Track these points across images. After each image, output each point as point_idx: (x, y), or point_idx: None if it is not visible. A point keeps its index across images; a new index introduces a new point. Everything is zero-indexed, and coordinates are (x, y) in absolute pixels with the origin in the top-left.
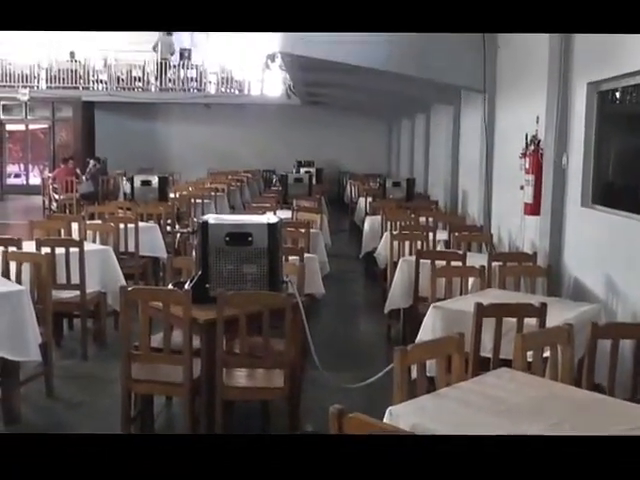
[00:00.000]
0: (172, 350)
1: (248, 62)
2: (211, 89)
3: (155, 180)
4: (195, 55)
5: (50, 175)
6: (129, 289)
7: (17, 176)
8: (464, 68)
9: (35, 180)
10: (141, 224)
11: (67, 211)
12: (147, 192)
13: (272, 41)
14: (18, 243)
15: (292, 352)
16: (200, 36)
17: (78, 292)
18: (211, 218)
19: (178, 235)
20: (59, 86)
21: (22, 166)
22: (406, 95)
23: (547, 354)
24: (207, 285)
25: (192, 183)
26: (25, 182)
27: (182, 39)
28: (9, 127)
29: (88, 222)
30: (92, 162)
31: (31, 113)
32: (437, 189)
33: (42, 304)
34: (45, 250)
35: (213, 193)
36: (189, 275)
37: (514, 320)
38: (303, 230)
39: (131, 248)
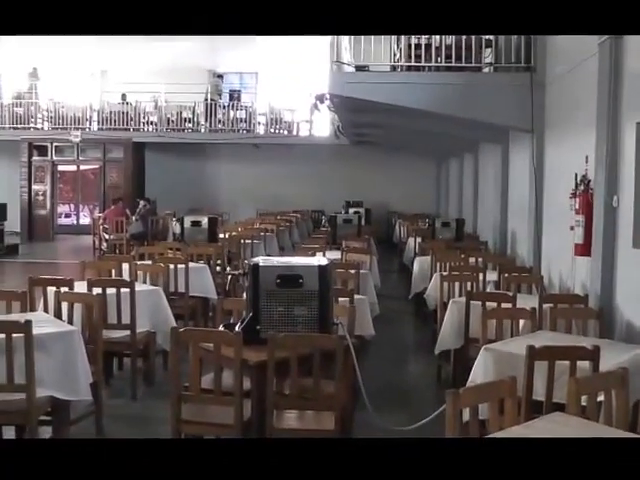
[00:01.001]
0: (222, 391)
1: (297, 103)
2: (260, 130)
3: (205, 221)
4: (244, 96)
5: (100, 215)
6: (180, 330)
7: (67, 216)
8: (511, 108)
9: (85, 220)
10: (191, 264)
11: (117, 251)
12: (197, 232)
13: (321, 82)
14: (70, 284)
15: (343, 394)
16: (250, 78)
17: (128, 332)
18: (262, 260)
19: (229, 277)
20: (110, 128)
21: (72, 206)
22: (454, 135)
23: (601, 398)
24: (258, 327)
25: (241, 223)
26: (75, 222)
27: (232, 80)
28: (61, 167)
29: (138, 263)
30: (142, 203)
31: (82, 154)
32: (486, 229)
33: (93, 344)
34: (97, 290)
35: (262, 233)
36: (239, 316)
37: (567, 363)
38: (353, 271)
39: (181, 288)
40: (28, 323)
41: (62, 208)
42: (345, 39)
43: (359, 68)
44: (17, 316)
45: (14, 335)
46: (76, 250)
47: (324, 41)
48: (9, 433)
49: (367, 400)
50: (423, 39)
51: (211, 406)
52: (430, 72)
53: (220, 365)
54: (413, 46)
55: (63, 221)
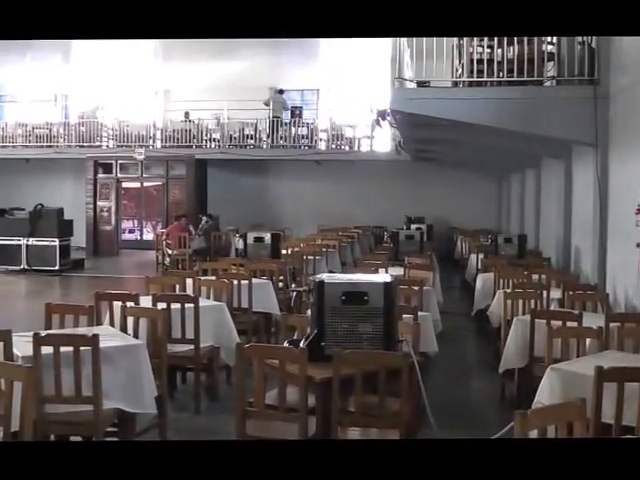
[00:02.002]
0: (286, 408)
1: (358, 119)
2: (321, 146)
3: (268, 237)
4: (306, 113)
5: (164, 231)
6: (245, 346)
7: (131, 232)
8: (574, 122)
9: (148, 236)
10: (254, 280)
11: (179, 266)
12: (260, 248)
13: (383, 98)
14: (135, 298)
15: (407, 412)
16: (311, 94)
17: (192, 346)
18: (327, 277)
19: (294, 293)
20: (173, 145)
21: (136, 222)
22: (515, 150)
23: None
24: (322, 343)
25: (303, 239)
26: (139, 237)
27: (293, 97)
28: (125, 184)
29: (202, 278)
30: (204, 219)
31: (146, 171)
32: (549, 245)
33: (158, 358)
34: (161, 305)
35: (324, 249)
36: (303, 333)
37: (637, 385)
38: (416, 288)
39: (244, 304)
40: (95, 337)
41: (126, 224)
42: (407, 55)
43: (420, 84)
44: (84, 330)
45: (82, 348)
46: (139, 265)
47: (385, 57)
48: None
49: (432, 418)
50: (485, 53)
51: (275, 422)
52: (492, 87)
53: (284, 381)
54: (475, 61)
55: (127, 237)
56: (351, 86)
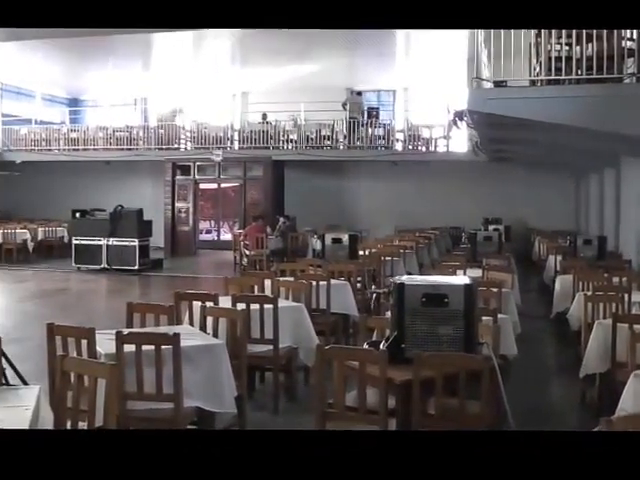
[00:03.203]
0: (366, 409)
1: (434, 120)
2: (398, 147)
3: (345, 238)
4: (382, 113)
5: (241, 232)
6: (326, 347)
7: (208, 232)
8: None
9: (225, 236)
10: (332, 281)
11: (257, 267)
12: (337, 249)
13: (459, 98)
14: (215, 299)
15: (488, 415)
16: (387, 95)
17: (271, 347)
18: (407, 279)
19: (374, 295)
20: (251, 146)
21: (213, 223)
22: (594, 149)
23: None
24: (403, 345)
25: (380, 240)
26: (216, 238)
27: (369, 98)
28: (202, 186)
29: (281, 279)
30: (281, 220)
31: (224, 172)
32: (629, 247)
33: (237, 358)
34: (241, 306)
35: (402, 251)
36: (381, 334)
37: None
38: (495, 290)
39: (322, 305)
40: (177, 336)
41: (203, 224)
42: (484, 55)
43: (497, 84)
44: (165, 329)
45: (163, 347)
46: (217, 265)
47: (462, 57)
48: None
49: (512, 422)
50: (563, 51)
51: (355, 424)
52: (570, 85)
53: (364, 383)
54: (553, 59)
55: (204, 237)
56: (427, 86)
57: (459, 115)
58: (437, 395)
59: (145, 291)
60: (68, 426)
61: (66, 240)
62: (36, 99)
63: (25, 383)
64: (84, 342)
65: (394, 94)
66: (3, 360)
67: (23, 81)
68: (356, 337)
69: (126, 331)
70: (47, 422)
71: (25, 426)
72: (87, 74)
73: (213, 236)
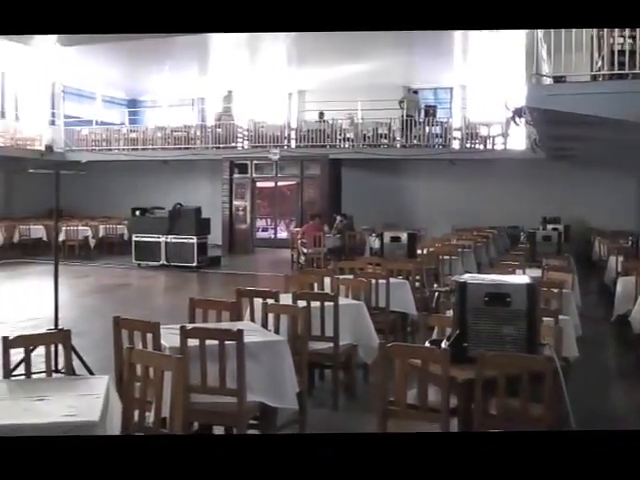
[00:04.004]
0: (428, 408)
1: (492, 117)
2: (455, 145)
3: (404, 236)
4: (439, 111)
5: (299, 230)
6: (388, 345)
7: (264, 230)
8: None
9: (282, 234)
10: (391, 280)
11: (314, 265)
12: (396, 248)
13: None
14: (276, 296)
15: (550, 418)
16: (444, 93)
17: (331, 344)
18: (469, 278)
19: (436, 294)
20: (307, 145)
21: (269, 221)
22: None
23: None
24: (465, 344)
25: (438, 239)
26: (273, 236)
27: (426, 96)
28: (259, 184)
29: (340, 277)
30: (339, 218)
31: (281, 171)
32: None
33: (298, 354)
34: (301, 303)
35: (460, 250)
36: (441, 333)
37: None
38: (556, 290)
39: (381, 303)
40: (240, 332)
41: (259, 223)
42: (543, 50)
43: (557, 79)
44: (227, 325)
45: (227, 342)
46: (274, 263)
47: (520, 52)
48: (218, 433)
49: (574, 424)
50: (627, 44)
51: (416, 422)
52: (634, 80)
53: (426, 381)
54: (616, 53)
55: (260, 235)
56: (485, 83)
57: (518, 112)
58: (500, 396)
59: (203, 288)
60: (136, 416)
61: (126, 237)
62: (97, 101)
63: (91, 373)
64: (149, 336)
65: (451, 92)
66: None
67: (84, 84)
68: (414, 336)
69: (190, 326)
70: (116, 411)
71: (97, 414)
72: (146, 76)
73: (270, 234)
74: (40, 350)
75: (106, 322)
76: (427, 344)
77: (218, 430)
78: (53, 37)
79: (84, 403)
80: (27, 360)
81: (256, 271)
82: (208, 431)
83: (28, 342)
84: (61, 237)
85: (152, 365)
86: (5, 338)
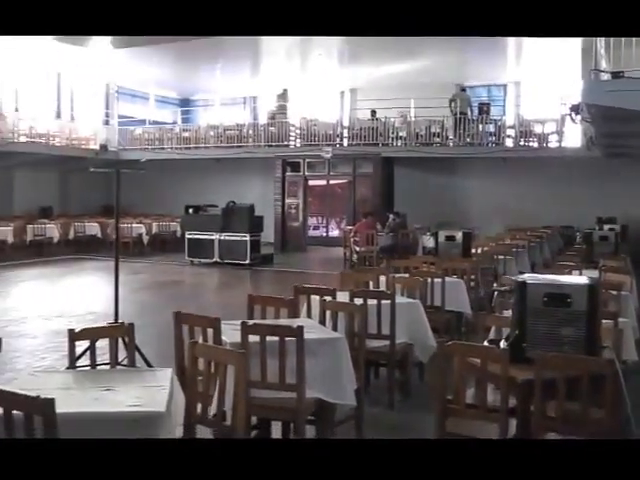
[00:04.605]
0: (487, 407)
1: (546, 114)
2: (508, 143)
3: (459, 235)
4: (493, 109)
5: (351, 228)
6: (447, 343)
7: (316, 228)
8: None
9: (333, 232)
10: (446, 279)
11: (366, 263)
12: (451, 247)
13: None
14: (333, 293)
15: (610, 421)
16: (498, 90)
17: (387, 342)
18: (528, 278)
19: (495, 293)
20: (360, 143)
21: (320, 219)
22: None
23: None
24: (524, 345)
25: (492, 238)
26: (325, 234)
27: (479, 93)
28: (310, 182)
29: (396, 275)
30: (392, 216)
31: (333, 169)
32: None
33: (355, 352)
34: (358, 301)
35: (514, 249)
36: (498, 333)
37: None
38: (614, 292)
39: (436, 302)
40: (300, 328)
41: (310, 221)
42: (601, 45)
43: (615, 75)
44: (285, 321)
45: (287, 339)
46: (326, 261)
47: (576, 48)
48: (276, 427)
49: (635, 429)
50: None
51: (475, 421)
52: None
53: (485, 380)
54: None
55: (312, 233)
56: (540, 80)
57: (575, 109)
58: (559, 398)
59: (256, 285)
60: (198, 409)
61: (179, 234)
62: (149, 100)
63: (149, 366)
64: (209, 331)
65: (505, 88)
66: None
67: (137, 84)
68: (468, 335)
69: (251, 322)
70: (180, 403)
71: (163, 405)
72: (197, 75)
73: (321, 232)
74: (99, 343)
75: (161, 317)
76: (486, 343)
77: (276, 425)
78: (107, 39)
79: (150, 394)
80: (92, 352)
81: (308, 269)
82: (266, 425)
83: (93, 335)
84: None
85: (215, 359)
86: (71, 331)
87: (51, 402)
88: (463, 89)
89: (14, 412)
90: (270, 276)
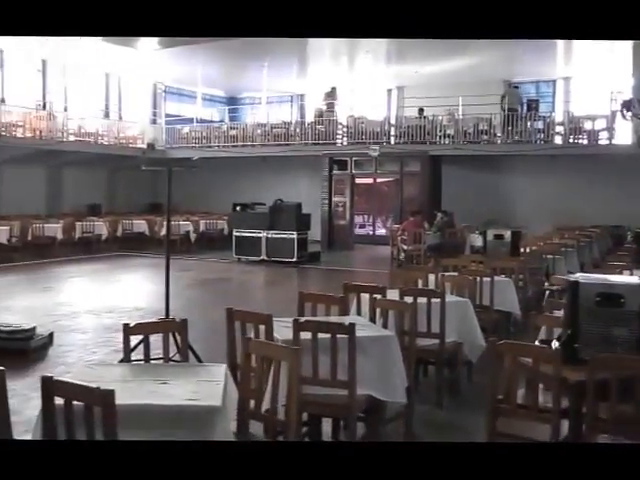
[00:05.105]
0: (538, 408)
1: (596, 111)
2: (557, 140)
3: (508, 234)
4: (541, 105)
5: (399, 226)
6: (499, 343)
7: (362, 226)
8: None
9: (380, 231)
10: (495, 278)
11: (414, 262)
12: (499, 246)
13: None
14: (383, 291)
15: None
16: (547, 86)
17: (437, 341)
18: (581, 277)
19: (547, 292)
20: (407, 141)
21: (366, 217)
22: None
23: None
24: (576, 345)
25: (540, 237)
26: (371, 232)
27: (528, 90)
28: (357, 180)
29: (445, 274)
30: (439, 215)
31: (380, 167)
32: None
33: (405, 350)
34: (408, 299)
35: (563, 249)
36: (549, 333)
37: None
38: None
39: (485, 301)
40: (352, 325)
41: (357, 219)
42: None
43: None
44: (336, 319)
45: (338, 336)
46: (373, 259)
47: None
48: (326, 424)
49: None
50: None
51: (524, 422)
52: None
53: (537, 381)
54: None
55: (358, 231)
56: (590, 75)
57: (626, 105)
58: (612, 399)
59: (303, 283)
60: (252, 405)
61: (226, 232)
62: (196, 99)
63: (199, 361)
64: (261, 327)
65: (554, 84)
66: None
67: (184, 83)
68: (517, 335)
69: (302, 319)
70: (234, 397)
71: (219, 400)
72: (244, 74)
73: (367, 230)
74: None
75: (209, 313)
76: (537, 343)
77: (326, 421)
78: (155, 39)
79: (205, 389)
80: (146, 346)
81: (355, 267)
82: (317, 422)
83: (146, 329)
84: (163, 232)
85: (269, 355)
86: (126, 325)
87: (111, 393)
88: (516, 86)
89: (74, 403)
90: (317, 274)
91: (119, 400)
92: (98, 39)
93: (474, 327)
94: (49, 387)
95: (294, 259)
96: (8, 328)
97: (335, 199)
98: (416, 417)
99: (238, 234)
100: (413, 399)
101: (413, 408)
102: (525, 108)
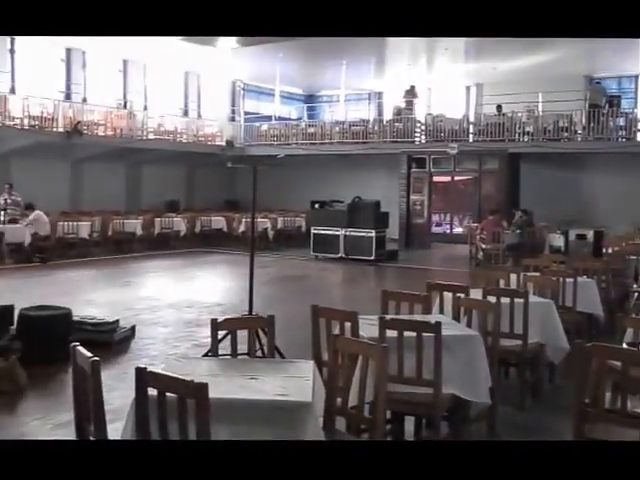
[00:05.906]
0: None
1: None
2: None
3: (590, 234)
4: (624, 102)
5: (477, 225)
6: (587, 345)
7: (438, 225)
8: None
9: (457, 229)
10: (578, 279)
11: (492, 261)
12: (581, 246)
13: None
14: (466, 290)
15: None
16: (629, 82)
17: (519, 342)
18: None
19: (635, 294)
20: (485, 139)
21: (443, 215)
22: None
23: None
24: None
25: (622, 238)
26: (448, 231)
27: (609, 86)
28: (435, 178)
29: (527, 274)
30: (518, 214)
31: (458, 165)
32: None
33: (488, 350)
34: (491, 299)
35: None
36: (635, 336)
37: None
38: None
39: (567, 302)
40: (438, 324)
41: (434, 217)
42: None
43: None
44: (419, 317)
45: (424, 334)
46: (450, 258)
47: None
48: (409, 422)
49: None
50: None
51: (612, 427)
52: None
53: (626, 384)
54: None
55: (435, 230)
56: None
57: None
58: None
59: (381, 281)
60: (338, 402)
61: (303, 230)
62: (275, 97)
63: (283, 357)
64: (347, 325)
65: (636, 80)
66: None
67: (263, 81)
68: (599, 337)
69: (388, 317)
70: (321, 394)
71: (309, 396)
72: (323, 72)
73: (444, 229)
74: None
75: (289, 310)
76: (624, 346)
77: (409, 420)
78: (234, 38)
79: (294, 384)
80: (234, 341)
81: (433, 266)
82: (400, 420)
83: (234, 325)
84: (241, 228)
85: (356, 352)
86: (214, 320)
87: (205, 387)
88: (598, 82)
89: (168, 394)
90: (395, 272)
91: (211, 394)
92: (177, 39)
93: (557, 328)
94: (143, 378)
95: (372, 257)
96: (93, 321)
97: (413, 197)
98: (498, 418)
99: (316, 231)
100: (497, 400)
101: (496, 409)
102: (607, 104)
